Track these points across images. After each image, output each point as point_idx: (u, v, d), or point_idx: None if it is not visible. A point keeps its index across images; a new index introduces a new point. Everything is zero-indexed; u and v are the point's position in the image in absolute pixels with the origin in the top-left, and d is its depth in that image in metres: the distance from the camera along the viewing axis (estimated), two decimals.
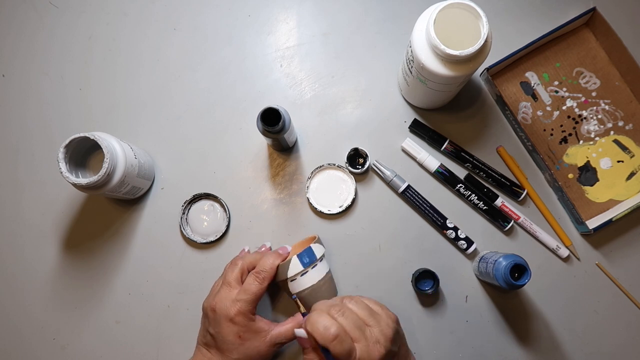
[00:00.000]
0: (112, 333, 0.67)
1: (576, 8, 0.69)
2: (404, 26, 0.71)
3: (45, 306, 0.68)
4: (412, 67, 0.59)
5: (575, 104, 0.69)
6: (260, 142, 0.70)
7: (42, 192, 0.69)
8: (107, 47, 0.72)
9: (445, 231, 0.67)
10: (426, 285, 0.65)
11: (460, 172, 0.69)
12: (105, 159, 0.57)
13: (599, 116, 0.69)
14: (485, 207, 0.67)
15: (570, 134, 0.69)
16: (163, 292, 0.68)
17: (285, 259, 0.61)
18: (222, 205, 0.68)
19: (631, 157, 0.68)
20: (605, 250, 0.67)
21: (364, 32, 0.71)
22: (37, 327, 0.68)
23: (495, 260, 0.59)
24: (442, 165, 0.67)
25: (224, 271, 0.62)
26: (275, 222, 0.69)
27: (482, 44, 0.52)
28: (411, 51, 0.57)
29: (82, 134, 0.58)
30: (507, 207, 0.67)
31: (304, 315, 0.53)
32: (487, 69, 0.66)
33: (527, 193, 0.68)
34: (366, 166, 0.67)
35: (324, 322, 0.46)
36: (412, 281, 0.66)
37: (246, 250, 0.67)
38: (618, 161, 0.68)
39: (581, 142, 0.69)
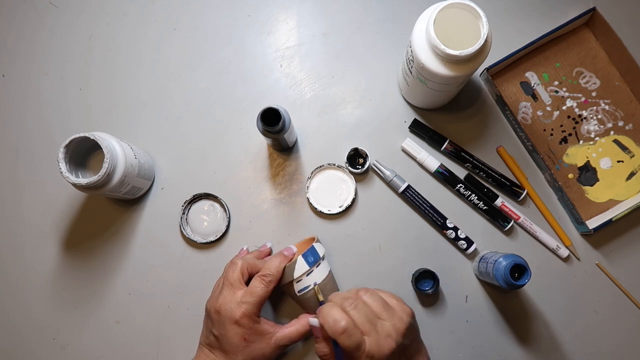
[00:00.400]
0: (112, 333, 0.67)
1: (576, 8, 0.69)
2: (404, 26, 0.71)
3: (45, 306, 0.68)
4: (412, 67, 0.59)
5: (575, 104, 0.69)
6: (260, 142, 0.70)
7: (42, 192, 0.69)
8: (107, 47, 0.72)
9: (445, 231, 0.67)
10: (426, 285, 0.65)
11: (460, 172, 0.69)
12: (105, 159, 0.57)
13: (599, 116, 0.69)
14: (485, 207, 0.67)
15: (570, 134, 0.69)
16: (163, 292, 0.68)
17: (291, 260, 0.61)
18: (222, 205, 0.68)
19: (631, 157, 0.68)
20: (605, 250, 0.67)
21: (364, 32, 0.71)
22: (37, 327, 0.68)
23: (495, 260, 0.59)
24: (442, 165, 0.67)
25: (224, 272, 0.62)
26: (275, 222, 0.69)
27: (482, 44, 0.52)
28: (411, 51, 0.57)
29: (82, 134, 0.58)
30: (507, 207, 0.67)
31: (321, 304, 0.54)
32: (487, 69, 0.66)
33: (527, 193, 0.68)
34: (366, 166, 0.67)
35: (334, 315, 0.47)
36: (412, 281, 0.66)
37: (245, 249, 0.67)
38: (618, 161, 0.68)
39: (581, 142, 0.69)
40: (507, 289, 0.58)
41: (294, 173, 0.69)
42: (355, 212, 0.68)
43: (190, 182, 0.69)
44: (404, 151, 0.69)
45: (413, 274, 0.66)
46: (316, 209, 0.67)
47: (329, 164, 0.68)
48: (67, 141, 0.58)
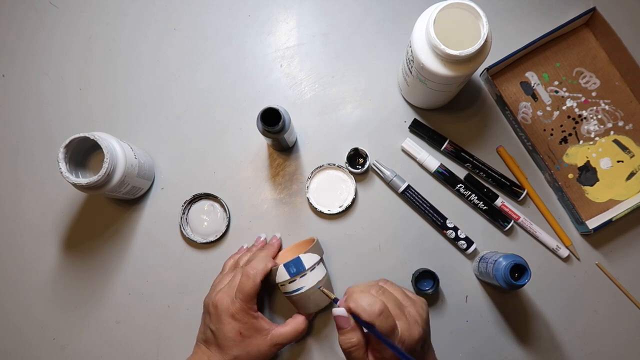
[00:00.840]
0: (112, 333, 0.67)
1: (576, 8, 0.69)
2: (404, 26, 0.71)
3: (45, 306, 0.68)
4: (412, 67, 0.59)
5: (575, 104, 0.69)
6: (260, 142, 0.70)
7: (42, 192, 0.69)
8: (107, 47, 0.72)
9: (445, 231, 0.67)
10: (426, 285, 0.65)
11: (460, 172, 0.69)
12: (105, 159, 0.57)
13: (599, 116, 0.69)
14: (485, 207, 0.67)
15: (570, 134, 0.69)
16: (163, 292, 0.68)
17: (276, 257, 0.63)
18: (222, 205, 0.68)
19: (631, 157, 0.68)
20: (605, 250, 0.67)
21: (364, 32, 0.71)
22: (37, 327, 0.68)
23: (495, 260, 0.59)
24: (442, 165, 0.67)
25: (223, 267, 0.63)
26: (275, 222, 0.69)
27: (482, 44, 0.52)
28: (411, 51, 0.57)
29: (82, 134, 0.58)
30: (507, 207, 0.67)
31: (335, 301, 0.54)
32: (487, 69, 0.66)
33: (527, 193, 0.68)
34: (366, 166, 0.67)
35: (367, 299, 0.46)
36: (412, 281, 0.66)
37: (245, 247, 0.67)
38: (618, 161, 0.68)
39: (581, 142, 0.69)
40: (507, 289, 0.58)
41: (294, 173, 0.69)
42: (355, 212, 0.68)
43: (190, 182, 0.69)
44: (404, 151, 0.69)
45: (413, 274, 0.66)
46: (316, 209, 0.67)
47: (329, 164, 0.68)
48: (67, 141, 0.58)
